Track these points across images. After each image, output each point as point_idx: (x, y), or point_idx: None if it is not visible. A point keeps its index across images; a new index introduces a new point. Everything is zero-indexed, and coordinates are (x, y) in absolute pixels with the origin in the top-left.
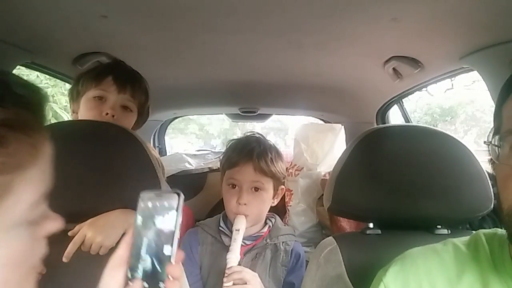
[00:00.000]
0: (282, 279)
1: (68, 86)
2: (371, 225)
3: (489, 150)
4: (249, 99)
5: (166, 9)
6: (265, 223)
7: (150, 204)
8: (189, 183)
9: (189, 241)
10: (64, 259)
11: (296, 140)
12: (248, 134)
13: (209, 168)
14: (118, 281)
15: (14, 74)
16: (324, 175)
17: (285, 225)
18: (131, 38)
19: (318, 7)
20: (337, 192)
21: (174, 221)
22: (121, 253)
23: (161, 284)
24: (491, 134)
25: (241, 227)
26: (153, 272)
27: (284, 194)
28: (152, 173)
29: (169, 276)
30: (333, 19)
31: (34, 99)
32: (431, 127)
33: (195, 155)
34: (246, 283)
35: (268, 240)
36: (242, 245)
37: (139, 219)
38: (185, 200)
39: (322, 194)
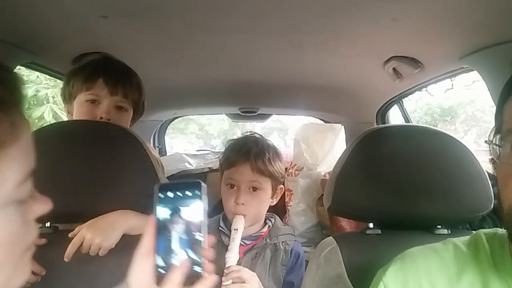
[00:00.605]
0: (281, 278)
1: None
2: (371, 225)
3: (490, 150)
4: (249, 99)
5: (166, 9)
6: (265, 223)
7: (171, 195)
8: None
9: None
10: (66, 259)
11: (296, 140)
12: (247, 134)
13: (209, 168)
14: (147, 273)
15: None
16: (324, 175)
17: (285, 225)
18: (131, 38)
19: (318, 7)
20: (337, 192)
21: (201, 209)
22: (146, 244)
23: (197, 268)
24: (492, 134)
25: (239, 227)
26: (186, 253)
27: (284, 194)
28: (152, 173)
29: (205, 260)
30: (333, 19)
31: (9, 78)
32: (431, 127)
33: (195, 155)
34: (244, 282)
35: (267, 240)
36: (241, 244)
37: (161, 210)
38: None
39: (322, 194)
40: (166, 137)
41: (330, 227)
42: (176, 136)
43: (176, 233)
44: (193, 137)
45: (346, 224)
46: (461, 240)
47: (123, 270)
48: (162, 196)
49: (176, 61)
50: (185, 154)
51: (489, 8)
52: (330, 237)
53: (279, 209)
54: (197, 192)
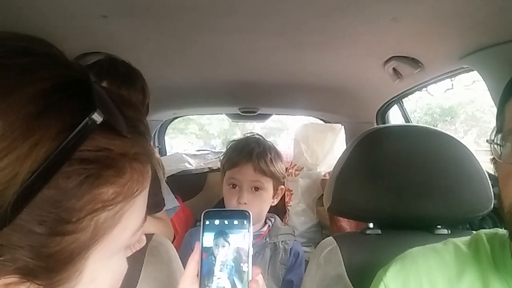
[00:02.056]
0: (281, 277)
1: None
2: (371, 225)
3: (491, 149)
4: (249, 99)
5: (166, 9)
6: (265, 223)
7: (217, 222)
8: (189, 183)
9: (190, 241)
10: None
11: (296, 140)
12: (248, 135)
13: (209, 168)
14: None
15: (116, 93)
16: (324, 175)
17: (285, 225)
18: (131, 38)
19: (318, 7)
20: (337, 192)
21: (248, 239)
22: (191, 271)
23: None
24: (493, 133)
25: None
26: (229, 277)
27: (284, 194)
28: (152, 173)
29: None
30: (333, 19)
31: (141, 119)
32: (431, 127)
33: (195, 155)
34: None
35: (267, 239)
36: None
37: (207, 237)
38: (185, 200)
39: (322, 194)
40: (166, 137)
41: (330, 227)
42: (176, 136)
43: (222, 262)
44: (193, 137)
45: (346, 224)
46: (461, 240)
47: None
48: (208, 223)
49: (176, 61)
50: (185, 154)
51: (489, 8)
52: (330, 237)
53: (279, 209)
54: (245, 222)
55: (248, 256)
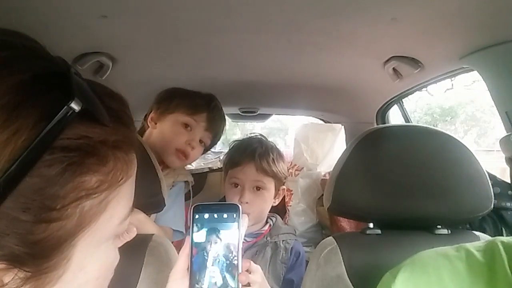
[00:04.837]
0: (281, 276)
1: None
2: (371, 225)
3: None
4: (249, 99)
5: (166, 9)
6: (266, 222)
7: (207, 216)
8: None
9: None
10: None
11: (296, 140)
12: (250, 135)
13: (209, 168)
14: None
15: (101, 85)
16: (324, 175)
17: (285, 225)
18: (131, 38)
19: (318, 7)
20: (337, 192)
21: (238, 232)
22: (181, 266)
23: None
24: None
25: (243, 225)
26: (223, 283)
27: (284, 194)
28: (153, 173)
29: (239, 284)
30: (333, 19)
31: (125, 110)
32: (431, 127)
33: None
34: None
35: (268, 238)
36: (243, 242)
37: (197, 231)
38: (185, 200)
39: (322, 194)
40: None
41: (330, 227)
42: None
43: (212, 255)
44: None
45: (346, 224)
46: (475, 246)
47: (122, 268)
48: (197, 216)
49: (176, 61)
50: None
51: (489, 8)
52: (330, 237)
53: (279, 209)
54: (234, 215)
55: (238, 249)
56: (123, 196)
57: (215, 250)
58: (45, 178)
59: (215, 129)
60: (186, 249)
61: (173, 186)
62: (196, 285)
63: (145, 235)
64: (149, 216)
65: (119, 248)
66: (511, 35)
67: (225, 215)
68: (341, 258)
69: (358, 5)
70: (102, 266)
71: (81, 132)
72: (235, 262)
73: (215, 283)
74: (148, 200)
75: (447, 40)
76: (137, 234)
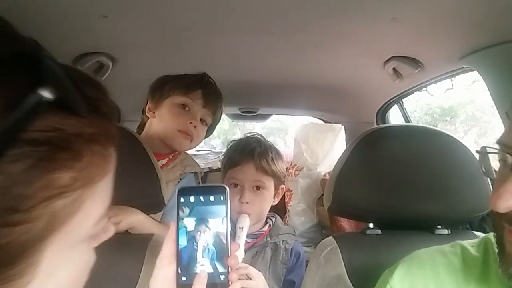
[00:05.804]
0: (282, 277)
1: None
2: (371, 225)
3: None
4: (249, 99)
5: (166, 9)
6: (266, 222)
7: (193, 199)
8: None
9: None
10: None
11: (296, 140)
12: (249, 134)
13: (209, 168)
14: (168, 281)
15: (78, 70)
16: (324, 175)
17: (285, 225)
18: (131, 38)
19: (318, 7)
20: (337, 192)
21: (225, 215)
22: (168, 251)
23: (221, 277)
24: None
25: (244, 225)
26: (212, 268)
27: (284, 194)
28: (152, 173)
29: (229, 267)
30: (333, 19)
31: (105, 100)
32: (431, 127)
33: (195, 155)
34: (250, 279)
35: (268, 239)
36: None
37: (183, 215)
38: None
39: (322, 194)
40: None
41: (330, 227)
42: None
43: (199, 240)
44: None
45: (346, 224)
46: (469, 243)
47: (122, 268)
48: (182, 199)
49: (176, 61)
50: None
51: (489, 8)
52: (330, 237)
53: (279, 209)
54: (221, 197)
55: (225, 233)
56: (100, 194)
57: (203, 235)
58: (9, 176)
59: (213, 105)
60: (172, 234)
61: (180, 179)
62: (183, 271)
63: (145, 235)
64: (150, 215)
65: (119, 248)
66: (511, 35)
67: (212, 198)
68: (341, 258)
69: (358, 5)
70: (75, 271)
71: (52, 124)
72: (223, 245)
73: (202, 267)
74: (148, 200)
75: (447, 40)
76: (137, 234)
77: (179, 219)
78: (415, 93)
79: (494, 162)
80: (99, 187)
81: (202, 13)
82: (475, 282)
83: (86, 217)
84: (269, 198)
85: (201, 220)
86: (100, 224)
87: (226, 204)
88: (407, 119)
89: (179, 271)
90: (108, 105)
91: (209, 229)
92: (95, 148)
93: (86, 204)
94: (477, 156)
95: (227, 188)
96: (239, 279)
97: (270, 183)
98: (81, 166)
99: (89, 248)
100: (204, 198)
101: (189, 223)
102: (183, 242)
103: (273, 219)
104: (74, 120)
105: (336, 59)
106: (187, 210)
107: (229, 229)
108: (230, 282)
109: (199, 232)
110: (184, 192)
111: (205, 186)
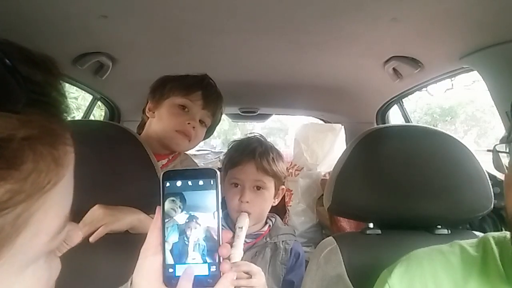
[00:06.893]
0: (281, 277)
1: (68, 86)
2: (371, 225)
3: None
4: (249, 99)
5: (166, 9)
6: (266, 223)
7: (179, 183)
8: None
9: None
10: (91, 240)
11: (296, 140)
12: (249, 135)
13: None
14: (154, 272)
15: (21, 47)
16: (324, 175)
17: (285, 225)
18: (131, 38)
19: (318, 7)
20: (337, 192)
21: (216, 201)
22: (153, 241)
23: (212, 268)
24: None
25: (244, 225)
26: (202, 257)
27: (284, 194)
28: (152, 173)
29: (220, 258)
30: (333, 19)
31: (54, 87)
32: (431, 127)
33: (195, 155)
34: (251, 277)
35: (268, 239)
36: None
37: (169, 202)
38: None
39: (322, 194)
40: None
41: (330, 227)
42: None
43: (187, 229)
44: None
45: (346, 224)
46: (468, 243)
47: (123, 269)
48: (168, 185)
49: (176, 61)
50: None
51: (489, 8)
52: (330, 237)
53: (279, 209)
54: (211, 181)
55: (216, 220)
56: (54, 204)
57: (192, 224)
58: None
59: (213, 107)
60: (157, 222)
61: None
62: (170, 261)
63: (145, 235)
64: (150, 215)
65: (119, 248)
66: (511, 35)
67: (201, 182)
68: (341, 258)
69: (358, 6)
70: None
71: None
72: (213, 234)
73: (191, 258)
74: (148, 200)
75: (447, 40)
76: (138, 234)
77: (164, 206)
78: (415, 93)
79: (487, 165)
80: (51, 196)
81: (202, 13)
82: (474, 281)
83: (37, 234)
84: (270, 198)
85: (190, 208)
86: (60, 237)
87: (217, 189)
88: (407, 119)
89: (166, 262)
90: (58, 90)
91: (199, 218)
92: (39, 149)
93: (35, 218)
94: (477, 156)
95: (218, 171)
96: (237, 278)
97: (270, 183)
98: (21, 176)
99: (50, 261)
100: (192, 183)
101: (177, 210)
102: (169, 231)
103: (273, 219)
104: (3, 119)
105: (336, 59)
106: (173, 196)
107: (220, 216)
108: (221, 273)
109: (187, 221)
110: (169, 176)
111: (193, 169)
